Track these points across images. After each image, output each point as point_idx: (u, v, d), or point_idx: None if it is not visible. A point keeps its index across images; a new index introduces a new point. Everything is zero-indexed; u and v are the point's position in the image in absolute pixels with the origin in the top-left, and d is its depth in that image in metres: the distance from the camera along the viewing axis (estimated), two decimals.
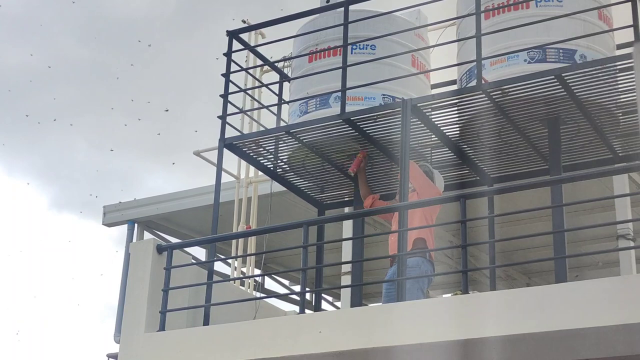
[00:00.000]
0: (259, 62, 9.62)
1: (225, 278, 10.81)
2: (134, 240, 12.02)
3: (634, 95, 7.23)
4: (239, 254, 10.63)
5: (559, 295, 5.63)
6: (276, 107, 8.66)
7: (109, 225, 12.60)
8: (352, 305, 8.01)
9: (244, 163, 10.95)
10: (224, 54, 8.31)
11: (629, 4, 6.94)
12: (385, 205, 8.04)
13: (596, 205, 10.25)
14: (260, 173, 10.18)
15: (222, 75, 8.25)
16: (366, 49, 8.04)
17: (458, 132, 7.83)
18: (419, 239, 7.16)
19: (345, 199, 9.04)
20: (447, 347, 5.83)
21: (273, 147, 8.31)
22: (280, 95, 8.73)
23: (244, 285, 10.61)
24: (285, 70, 9.01)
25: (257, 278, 10.78)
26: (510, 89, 7.10)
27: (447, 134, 7.85)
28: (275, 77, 9.14)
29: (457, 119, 7.66)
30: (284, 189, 9.07)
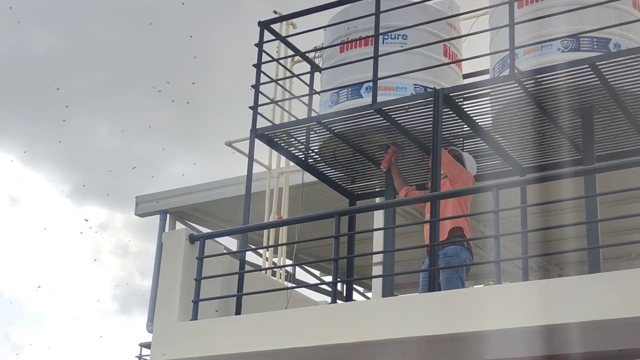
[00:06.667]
0: (290, 52, 9.62)
1: (257, 268, 10.84)
2: (166, 230, 12.08)
3: None
4: (270, 244, 10.66)
5: None
6: (307, 97, 8.67)
7: (142, 215, 12.66)
8: (384, 296, 8.01)
9: (275, 153, 10.96)
10: (255, 45, 8.32)
11: None
12: (420, 194, 8.04)
13: (629, 196, 10.15)
14: (291, 163, 10.19)
15: (254, 65, 8.26)
16: (398, 38, 8.01)
17: (490, 121, 7.79)
18: (456, 228, 7.17)
19: (377, 190, 9.03)
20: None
21: (304, 137, 8.32)
22: (311, 85, 8.73)
23: (275, 276, 10.65)
24: (316, 61, 9.00)
25: (288, 268, 10.80)
26: (544, 79, 7.05)
27: (479, 123, 7.81)
28: (306, 67, 9.15)
29: (489, 108, 7.63)
30: (315, 179, 9.08)
